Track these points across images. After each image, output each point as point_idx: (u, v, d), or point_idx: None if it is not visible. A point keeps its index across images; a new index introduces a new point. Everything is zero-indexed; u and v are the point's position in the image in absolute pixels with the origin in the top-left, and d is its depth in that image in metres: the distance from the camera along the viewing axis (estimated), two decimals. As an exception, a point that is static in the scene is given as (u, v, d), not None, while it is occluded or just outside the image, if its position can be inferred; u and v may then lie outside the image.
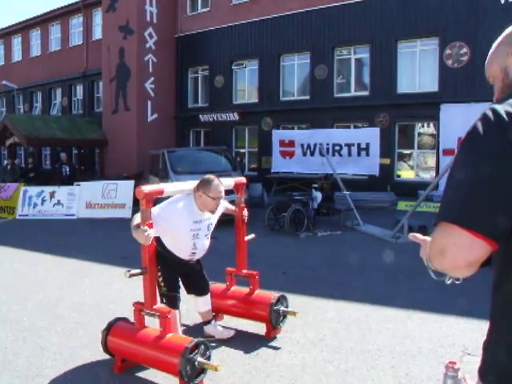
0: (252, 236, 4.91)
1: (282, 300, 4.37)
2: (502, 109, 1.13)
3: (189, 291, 4.18)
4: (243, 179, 4.81)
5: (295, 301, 5.40)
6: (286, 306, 4.40)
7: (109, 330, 3.65)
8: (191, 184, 3.79)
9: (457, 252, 1.09)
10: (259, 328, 4.40)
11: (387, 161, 14.64)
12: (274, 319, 4.23)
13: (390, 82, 14.98)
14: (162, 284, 3.81)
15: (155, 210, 3.58)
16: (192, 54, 19.48)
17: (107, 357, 3.76)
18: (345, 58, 16.29)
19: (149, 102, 19.09)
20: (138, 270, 3.49)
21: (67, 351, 4.03)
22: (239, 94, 19.03)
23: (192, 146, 20.07)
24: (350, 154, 12.71)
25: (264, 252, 8.02)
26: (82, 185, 13.62)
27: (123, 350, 3.61)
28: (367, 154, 12.82)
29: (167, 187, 3.75)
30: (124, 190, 13.12)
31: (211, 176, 3.81)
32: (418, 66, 14.90)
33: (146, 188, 3.52)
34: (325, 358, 3.83)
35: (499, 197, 1.07)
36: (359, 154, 12.77)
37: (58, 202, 13.25)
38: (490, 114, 1.13)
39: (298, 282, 6.22)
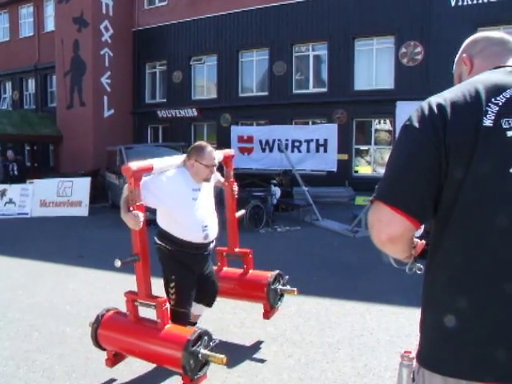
0: (242, 212, 4.58)
1: (278, 278, 4.16)
2: (434, 101, 1.23)
3: (199, 301, 3.70)
4: (232, 151, 4.53)
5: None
6: (284, 284, 4.18)
7: (99, 322, 3.37)
8: (181, 157, 3.47)
9: (379, 226, 1.20)
10: (214, 320, 4.38)
11: (345, 156, 14.88)
12: (273, 298, 4.05)
13: (348, 79, 15.21)
14: (173, 292, 3.37)
15: (147, 180, 3.22)
16: (149, 49, 19.15)
17: (64, 360, 3.65)
18: (303, 54, 16.42)
19: (105, 98, 18.63)
20: (129, 258, 3.24)
21: (20, 355, 3.89)
22: (198, 89, 18.87)
23: (150, 142, 19.73)
24: (308, 150, 12.87)
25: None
26: (36, 182, 13.19)
27: (117, 344, 3.36)
28: (325, 150, 13.04)
29: (156, 163, 3.31)
30: (80, 187, 12.80)
31: (203, 143, 3.49)
32: (375, 64, 15.19)
33: (134, 165, 3.14)
34: (285, 352, 3.86)
35: (420, 177, 1.18)
36: (318, 150, 12.96)
37: (10, 201, 12.78)
38: (424, 105, 1.24)
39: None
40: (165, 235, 3.38)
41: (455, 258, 1.18)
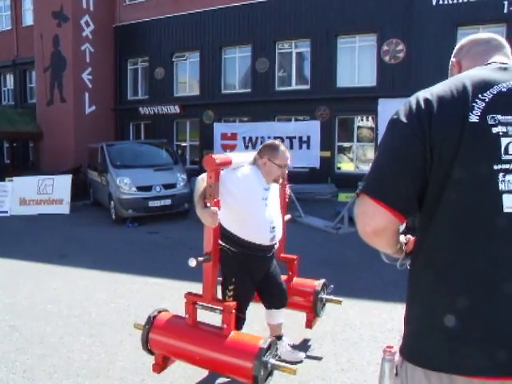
0: (289, 216, 4.41)
1: (324, 287, 4.02)
2: (422, 96, 1.24)
3: (269, 305, 3.54)
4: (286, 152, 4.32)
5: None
6: (328, 293, 4.05)
7: (151, 324, 3.11)
8: (252, 154, 3.33)
9: (364, 219, 1.22)
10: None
11: (327, 153, 14.95)
12: (318, 308, 3.89)
13: (330, 76, 15.27)
14: (231, 295, 3.20)
15: (223, 174, 3.03)
16: (131, 45, 18.95)
17: (45, 360, 3.60)
18: (286, 51, 16.43)
19: (86, 94, 18.39)
20: (202, 258, 3.00)
21: (0, 356, 3.83)
22: (180, 86, 18.75)
23: (132, 139, 19.57)
24: (291, 147, 12.87)
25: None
26: (15, 180, 12.95)
27: (171, 350, 3.10)
28: (308, 147, 13.06)
29: (234, 157, 3.16)
30: (61, 184, 12.61)
31: (276, 141, 3.32)
32: (357, 61, 15.27)
33: (217, 157, 2.94)
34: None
35: (404, 172, 1.19)
36: (300, 147, 12.99)
37: (-12, 199, 12.54)
38: (412, 99, 1.25)
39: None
40: (229, 236, 3.20)
41: (440, 253, 1.19)
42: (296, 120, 15.77)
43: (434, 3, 13.62)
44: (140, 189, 10.63)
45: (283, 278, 3.78)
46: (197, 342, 2.98)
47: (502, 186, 1.13)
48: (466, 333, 1.13)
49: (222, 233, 3.19)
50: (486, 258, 1.13)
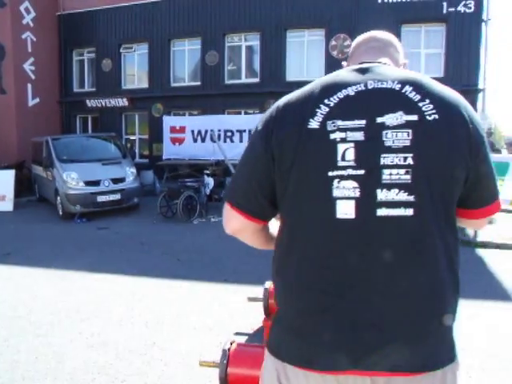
0: None
1: None
2: (278, 102, 1.29)
3: None
4: None
5: (193, 287, 5.45)
6: None
7: (228, 358, 2.49)
8: None
9: (224, 221, 1.30)
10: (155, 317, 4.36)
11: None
12: None
13: (280, 70, 15.40)
14: None
15: None
16: (77, 35, 18.32)
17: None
18: (236, 44, 16.41)
19: (29, 85, 17.63)
20: None
21: None
22: (128, 78, 18.33)
23: (79, 132, 18.99)
24: (241, 140, 12.95)
25: (158, 240, 7.93)
26: (-47, 176, 12.32)
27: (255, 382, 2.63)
28: (258, 141, 13.16)
29: None
30: (3, 180, 12.10)
31: None
32: (306, 55, 15.47)
33: None
34: (222, 341, 3.92)
35: (251, 178, 1.23)
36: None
37: None
38: (272, 106, 1.30)
39: (194, 267, 6.25)
40: None
41: (280, 255, 1.24)
42: (246, 113, 15.82)
43: (380, 1, 14.02)
44: (88, 183, 10.40)
45: None
46: None
47: (336, 193, 1.11)
48: (303, 332, 1.16)
49: None
50: (317, 264, 1.14)
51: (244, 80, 16.29)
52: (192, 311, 4.67)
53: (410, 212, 1.10)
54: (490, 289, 5.22)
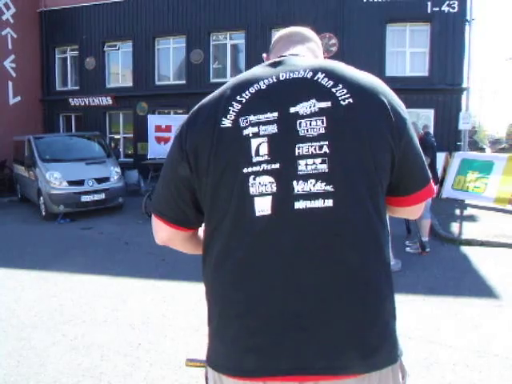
0: None
1: None
2: (195, 106, 1.26)
3: None
4: None
5: (178, 288, 5.40)
6: None
7: None
8: None
9: (153, 232, 1.30)
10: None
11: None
12: None
13: (265, 69, 15.38)
14: None
15: None
16: (59, 32, 18.07)
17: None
18: (221, 43, 16.35)
19: (10, 83, 17.34)
20: None
21: None
22: (112, 77, 18.15)
23: (62, 131, 18.75)
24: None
25: (142, 239, 7.85)
26: None
27: None
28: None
29: None
30: (-16, 180, 11.91)
31: None
32: (290, 54, 15.47)
33: None
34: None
35: (170, 186, 1.20)
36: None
37: None
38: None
39: (178, 268, 6.20)
40: None
41: (208, 258, 1.18)
42: (231, 112, 15.76)
43: (365, 0, 14.08)
44: (71, 183, 10.26)
45: None
46: None
47: (252, 190, 1.07)
48: (225, 338, 1.11)
49: None
50: (241, 264, 1.08)
51: (229, 78, 16.16)
52: (178, 311, 4.63)
53: (329, 203, 1.04)
54: (475, 286, 5.26)
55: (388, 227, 1.16)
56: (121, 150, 17.77)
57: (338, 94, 1.09)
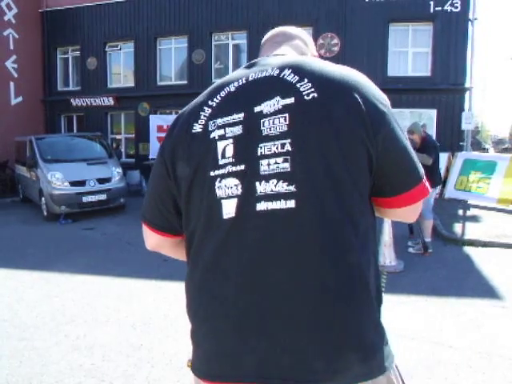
0: None
1: None
2: (182, 110, 1.23)
3: None
4: None
5: (180, 288, 5.38)
6: None
7: None
8: None
9: (144, 239, 1.32)
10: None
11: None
12: None
13: (266, 69, 15.36)
14: None
15: None
16: (61, 32, 18.09)
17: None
18: (223, 43, 16.35)
19: (11, 84, 17.37)
20: None
21: None
22: (114, 77, 18.16)
23: (64, 132, 18.76)
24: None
25: (143, 240, 7.84)
26: None
27: None
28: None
29: None
30: (-14, 180, 11.92)
31: None
32: (291, 54, 15.46)
33: None
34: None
35: (154, 194, 1.22)
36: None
37: None
38: None
39: (180, 268, 6.17)
40: None
41: (189, 263, 1.18)
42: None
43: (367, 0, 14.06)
44: (73, 184, 10.26)
45: None
46: None
47: (219, 193, 1.06)
48: (199, 341, 1.13)
49: None
50: (212, 269, 1.08)
51: (231, 79, 16.22)
52: (179, 312, 4.61)
53: (291, 204, 1.00)
54: (478, 287, 5.24)
55: (374, 228, 1.11)
56: (122, 150, 17.77)
57: (301, 89, 1.05)
